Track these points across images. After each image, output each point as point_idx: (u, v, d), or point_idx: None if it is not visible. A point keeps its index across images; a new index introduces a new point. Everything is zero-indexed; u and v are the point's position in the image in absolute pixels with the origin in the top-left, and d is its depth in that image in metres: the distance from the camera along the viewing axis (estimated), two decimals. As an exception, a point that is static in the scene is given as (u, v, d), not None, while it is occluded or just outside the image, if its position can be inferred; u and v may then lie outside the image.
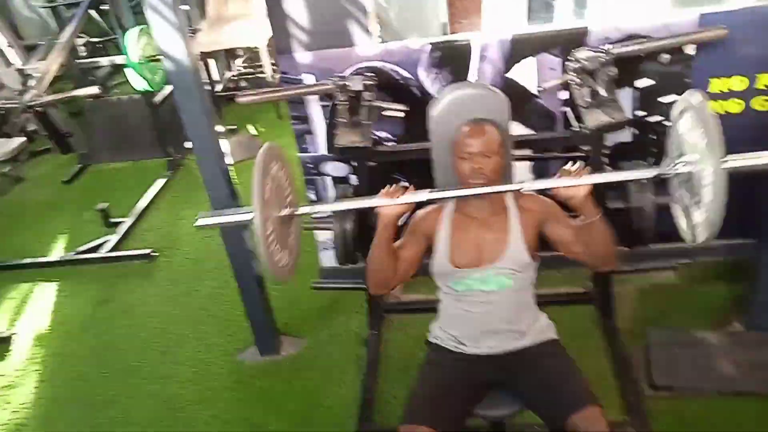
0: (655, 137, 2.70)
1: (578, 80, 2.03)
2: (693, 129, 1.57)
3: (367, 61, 2.56)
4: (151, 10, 2.09)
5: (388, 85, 2.58)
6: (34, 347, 3.11)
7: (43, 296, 3.48)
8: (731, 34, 2.42)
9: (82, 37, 5.97)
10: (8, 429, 2.66)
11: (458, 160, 1.83)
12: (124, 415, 2.63)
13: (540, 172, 2.80)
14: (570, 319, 2.70)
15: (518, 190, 1.82)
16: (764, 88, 2.52)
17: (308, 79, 2.60)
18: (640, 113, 2.64)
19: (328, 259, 3.07)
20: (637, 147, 2.69)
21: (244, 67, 5.53)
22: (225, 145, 4.82)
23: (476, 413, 1.91)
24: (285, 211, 1.75)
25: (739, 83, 2.53)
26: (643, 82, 2.58)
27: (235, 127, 4.93)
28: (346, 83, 2.07)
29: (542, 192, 1.83)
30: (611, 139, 2.69)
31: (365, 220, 2.28)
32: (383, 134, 2.74)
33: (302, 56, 2.58)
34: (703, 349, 2.47)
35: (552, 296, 2.81)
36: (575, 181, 1.65)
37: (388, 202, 1.74)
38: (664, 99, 2.61)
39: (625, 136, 2.69)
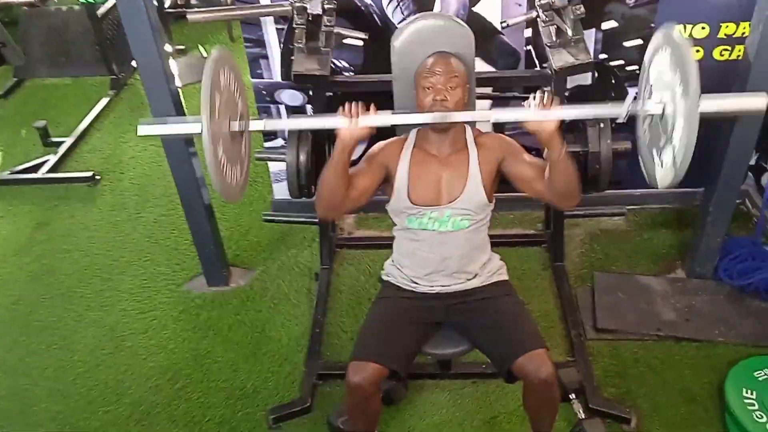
0: (614, 81, 2.69)
1: (545, 17, 1.96)
2: (669, 67, 1.50)
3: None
4: None
5: (348, 11, 2.46)
6: (-34, 270, 2.97)
7: (-23, 217, 3.31)
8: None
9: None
10: (-61, 354, 2.56)
11: (421, 91, 1.77)
12: (64, 341, 2.57)
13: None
14: (521, 260, 2.77)
15: (477, 126, 1.77)
16: (725, 37, 2.51)
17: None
18: (602, 56, 2.61)
19: (280, 190, 3.01)
20: (596, 90, 2.67)
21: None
22: (173, 66, 4.63)
23: (425, 351, 1.93)
24: (235, 125, 1.63)
25: (701, 31, 2.52)
26: (607, 24, 2.54)
27: (183, 47, 4.67)
28: (305, 5, 1.95)
29: (507, 125, 1.78)
30: (572, 82, 2.68)
31: (321, 152, 2.21)
32: (342, 63, 2.64)
33: (260, -25, 2.42)
34: (645, 294, 2.55)
35: (504, 237, 2.86)
36: (543, 115, 1.58)
37: (347, 124, 1.65)
38: (628, 43, 2.58)
39: (585, 78, 2.66)
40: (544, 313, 2.52)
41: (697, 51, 2.55)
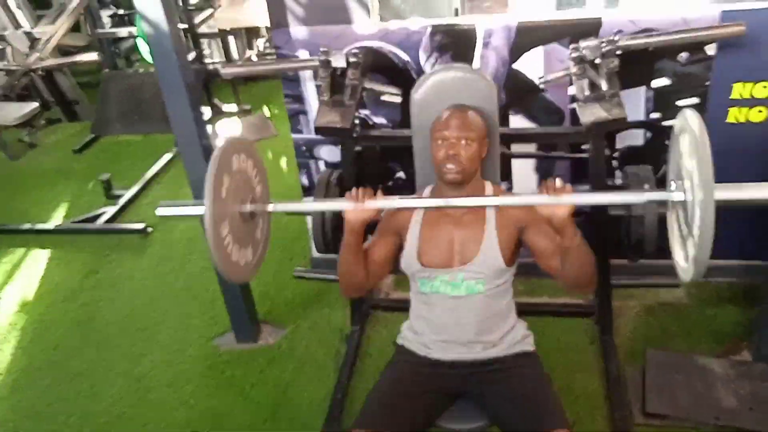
0: (667, 142, 2.50)
1: (576, 70, 1.85)
2: (688, 154, 1.39)
3: (366, 41, 2.42)
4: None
5: (386, 67, 2.44)
6: (18, 313, 3.07)
7: (35, 263, 3.44)
8: (758, 35, 2.22)
9: (109, 8, 6.01)
10: (-23, 394, 2.62)
11: (434, 144, 1.69)
12: (92, 390, 2.57)
13: (545, 172, 2.63)
14: (566, 332, 2.57)
15: (496, 198, 1.67)
16: (792, 96, 2.30)
17: (303, 55, 2.47)
18: (655, 115, 2.45)
19: (318, 247, 2.96)
20: (648, 152, 2.50)
21: (266, 47, 5.42)
22: (237, 125, 4.80)
23: (438, 424, 1.77)
24: (249, 207, 1.64)
25: (763, 90, 2.32)
26: (659, 82, 2.39)
27: (249, 107, 4.85)
28: (329, 59, 1.93)
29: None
30: (621, 141, 2.53)
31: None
32: (381, 120, 2.61)
33: (297, 31, 2.45)
34: (704, 376, 2.27)
35: (549, 306, 2.69)
36: (555, 200, 1.48)
37: (353, 207, 1.60)
38: (682, 102, 2.41)
39: (637, 139, 2.50)
40: (587, 391, 2.30)
41: (760, 111, 2.36)
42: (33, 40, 3.52)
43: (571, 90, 2.43)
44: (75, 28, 5.88)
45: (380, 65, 2.43)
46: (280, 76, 2.50)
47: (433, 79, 1.82)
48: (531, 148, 2.57)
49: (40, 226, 3.71)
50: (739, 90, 2.34)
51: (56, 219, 3.85)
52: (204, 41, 5.36)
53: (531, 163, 2.63)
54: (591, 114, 1.82)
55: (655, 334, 2.52)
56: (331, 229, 2.24)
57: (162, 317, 2.93)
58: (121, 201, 3.81)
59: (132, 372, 2.63)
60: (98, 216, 3.68)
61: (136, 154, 4.52)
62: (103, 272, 3.30)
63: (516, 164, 2.62)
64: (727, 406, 2.15)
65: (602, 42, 1.84)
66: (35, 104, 4.07)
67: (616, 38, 1.86)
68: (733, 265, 2.67)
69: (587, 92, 1.85)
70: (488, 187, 1.77)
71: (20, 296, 3.18)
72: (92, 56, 3.31)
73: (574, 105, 2.45)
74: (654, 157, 2.51)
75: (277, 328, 2.77)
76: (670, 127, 2.43)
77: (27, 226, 3.71)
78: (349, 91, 1.98)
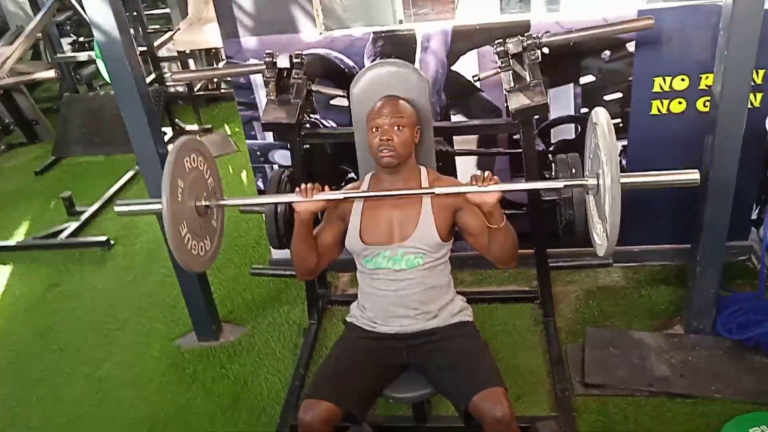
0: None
1: (501, 63, 2.02)
2: (600, 145, 1.59)
3: (313, 48, 2.57)
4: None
5: (334, 73, 2.59)
6: (-22, 326, 3.10)
7: (-4, 277, 3.48)
8: (674, 32, 2.43)
9: (69, 36, 6.09)
10: (-62, 404, 2.64)
11: (370, 133, 1.83)
12: (53, 394, 2.61)
13: (486, 167, 2.78)
14: (513, 316, 2.72)
15: (432, 188, 1.81)
16: (706, 88, 2.50)
17: (254, 63, 2.61)
18: (584, 110, 2.64)
19: (278, 251, 3.07)
20: (579, 144, 2.65)
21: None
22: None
23: (385, 395, 1.88)
24: (204, 202, 1.77)
25: (681, 83, 2.52)
26: (585, 79, 2.58)
27: (210, 126, 4.96)
28: (274, 60, 2.07)
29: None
30: (556, 136, 2.71)
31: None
32: (331, 123, 2.74)
33: (247, 41, 2.59)
34: (639, 349, 2.43)
35: (498, 294, 2.83)
36: (482, 189, 1.66)
37: (302, 200, 1.74)
38: (608, 96, 2.60)
39: (569, 133, 2.69)
40: (531, 368, 2.43)
41: (680, 103, 2.56)
42: (-10, 61, 3.60)
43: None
44: (35, 56, 5.99)
45: (328, 71, 2.58)
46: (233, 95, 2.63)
47: (370, 73, 1.98)
48: (472, 145, 2.74)
49: (1, 243, 3.74)
50: (659, 83, 2.54)
51: (17, 236, 3.88)
52: (165, 64, 5.50)
53: (473, 160, 2.79)
54: (517, 101, 1.99)
55: (595, 314, 2.67)
56: (284, 223, 2.36)
57: (123, 323, 2.99)
58: (83, 216, 3.86)
59: (93, 375, 2.69)
60: (60, 231, 3.72)
61: (98, 174, 4.58)
62: (65, 285, 3.35)
63: (459, 161, 2.78)
64: (660, 375, 2.30)
65: (524, 37, 2.02)
66: (-7, 129, 4.14)
67: (536, 34, 2.04)
68: (665, 249, 2.86)
69: (512, 83, 2.02)
70: (423, 171, 1.91)
71: (-20, 310, 3.21)
72: (49, 73, 3.40)
73: (510, 103, 2.65)
74: (584, 148, 2.71)
75: (238, 326, 2.85)
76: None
77: (-12, 243, 3.74)
78: (294, 89, 2.11)
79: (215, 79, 5.41)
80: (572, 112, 2.65)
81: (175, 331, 2.88)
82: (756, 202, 2.77)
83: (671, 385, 2.26)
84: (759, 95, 2.48)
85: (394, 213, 1.85)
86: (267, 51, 2.14)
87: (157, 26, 6.12)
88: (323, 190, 1.77)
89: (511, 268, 1.86)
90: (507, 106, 2.60)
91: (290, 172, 2.38)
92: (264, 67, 2.15)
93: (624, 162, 2.72)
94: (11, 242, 3.75)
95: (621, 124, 2.64)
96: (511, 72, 2.01)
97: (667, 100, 2.57)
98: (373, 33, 2.54)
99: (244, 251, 3.36)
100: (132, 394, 2.55)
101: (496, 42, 2.03)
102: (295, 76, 2.09)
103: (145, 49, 4.78)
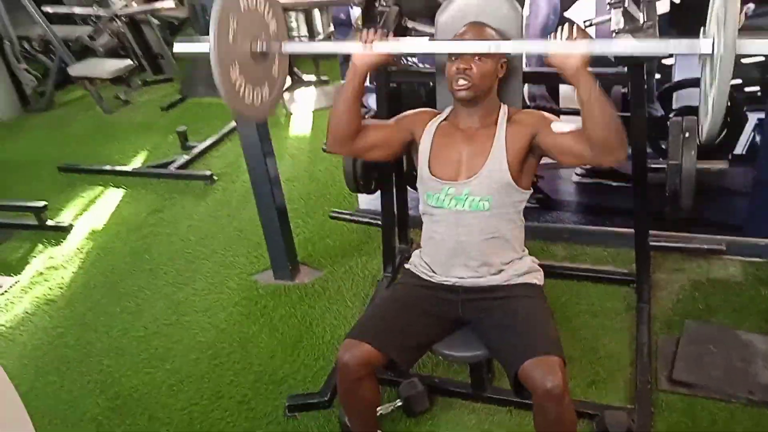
0: (729, 103, 2.33)
1: (613, 1, 1.77)
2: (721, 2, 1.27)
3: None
4: None
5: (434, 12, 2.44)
6: (85, 240, 3.31)
7: (109, 199, 3.70)
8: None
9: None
10: (39, 301, 2.85)
11: (449, 62, 1.67)
12: (136, 308, 2.73)
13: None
14: (604, 298, 2.49)
15: (506, 42, 1.61)
16: None
17: None
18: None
19: (365, 200, 3.01)
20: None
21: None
22: (313, 92, 4.94)
23: (435, 350, 1.76)
24: (260, 47, 1.62)
25: None
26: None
27: (327, 79, 4.97)
28: (363, -11, 1.97)
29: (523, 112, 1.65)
30: (678, 101, 2.39)
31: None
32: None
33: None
34: (744, 351, 2.11)
35: (591, 272, 2.59)
36: (568, 46, 1.43)
37: (360, 49, 1.61)
38: (746, 59, 2.24)
39: (695, 98, 2.34)
40: (613, 355, 2.19)
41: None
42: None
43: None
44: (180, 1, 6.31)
45: (429, 8, 2.42)
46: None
47: (457, 1, 1.81)
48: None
49: (118, 167, 3.98)
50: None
51: (134, 164, 4.12)
52: (291, 14, 5.58)
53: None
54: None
55: (699, 308, 2.35)
56: (361, 166, 2.27)
57: (210, 254, 3.06)
58: (194, 151, 4.01)
59: (174, 296, 2.77)
60: (171, 162, 3.89)
61: (216, 115, 4.73)
62: (166, 212, 3.50)
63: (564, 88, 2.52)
64: (763, 381, 1.98)
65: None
66: (129, 62, 4.37)
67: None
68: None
69: (622, 24, 1.77)
70: (503, 108, 1.73)
71: (90, 226, 3.43)
72: (170, 3, 3.52)
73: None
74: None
75: (315, 270, 2.83)
76: (733, 87, 2.31)
77: (107, 167, 3.99)
78: (381, 19, 1.99)
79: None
80: (699, 74, 2.31)
81: (256, 267, 2.91)
82: None
83: (777, 395, 1.95)
84: None
85: (465, 147, 1.70)
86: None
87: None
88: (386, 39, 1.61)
89: (621, 160, 1.54)
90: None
91: (373, 114, 2.27)
92: (355, -3, 2.05)
93: (759, 138, 2.35)
94: (127, 168, 3.98)
95: (760, 93, 2.28)
96: (621, 10, 1.76)
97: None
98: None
99: (335, 199, 3.33)
100: (203, 320, 2.61)
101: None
102: (383, 4, 1.97)
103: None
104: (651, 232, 2.29)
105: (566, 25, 1.45)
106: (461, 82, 1.64)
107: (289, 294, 2.69)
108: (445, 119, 1.77)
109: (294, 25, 5.67)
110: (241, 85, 1.57)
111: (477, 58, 1.63)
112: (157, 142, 4.43)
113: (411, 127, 1.77)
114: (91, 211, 3.59)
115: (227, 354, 2.41)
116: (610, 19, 2.00)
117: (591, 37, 1.42)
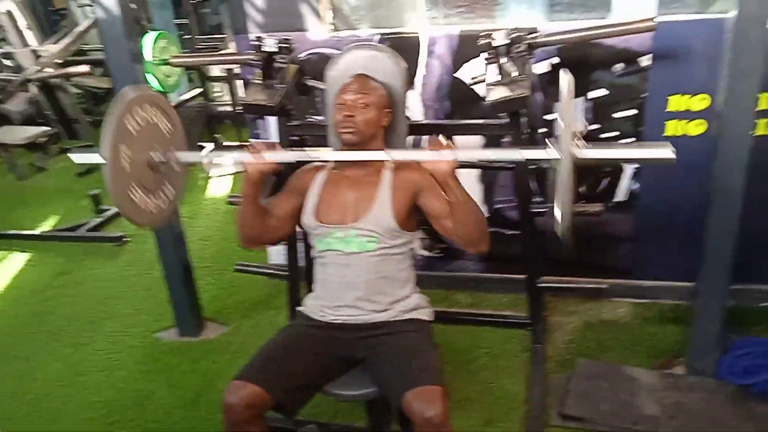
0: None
1: (486, 56, 1.92)
2: (559, 113, 1.47)
3: (319, 48, 2.57)
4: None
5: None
6: (-18, 304, 3.18)
7: (13, 263, 3.57)
8: (693, 48, 2.27)
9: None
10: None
11: (335, 109, 1.77)
12: (29, 371, 2.61)
13: (489, 181, 2.68)
14: (503, 341, 2.55)
15: (385, 152, 1.72)
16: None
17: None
18: (594, 126, 2.49)
19: (276, 255, 3.03)
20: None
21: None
22: (231, 156, 5.00)
23: (327, 390, 1.76)
24: (156, 157, 1.72)
25: (700, 103, 2.35)
26: (596, 93, 2.44)
27: (248, 144, 5.04)
28: (261, 44, 2.06)
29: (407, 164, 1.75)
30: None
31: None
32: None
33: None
34: (630, 386, 2.20)
35: (491, 316, 2.66)
36: (437, 155, 1.55)
37: (253, 159, 1.68)
38: (619, 114, 2.45)
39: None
40: (509, 394, 2.24)
41: (699, 125, 2.38)
42: (37, 57, 3.80)
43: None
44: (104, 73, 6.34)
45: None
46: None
47: (346, 56, 1.93)
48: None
49: (25, 232, 3.87)
50: (676, 102, 2.38)
51: (44, 228, 4.01)
52: (216, 85, 5.71)
53: (476, 176, 2.68)
54: (496, 93, 1.88)
55: (591, 347, 2.45)
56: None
57: (114, 313, 2.99)
58: (107, 214, 3.95)
59: (72, 357, 2.68)
60: (81, 225, 3.82)
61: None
62: (73, 274, 3.41)
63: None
64: (649, 414, 2.07)
65: (512, 30, 1.93)
66: (44, 128, 4.34)
67: (527, 30, 1.95)
68: (680, 286, 2.61)
69: (497, 77, 1.92)
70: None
71: (-11, 289, 3.30)
72: (84, 68, 3.55)
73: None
74: (593, 168, 2.56)
75: (221, 325, 2.80)
76: (609, 138, 2.50)
77: (13, 231, 3.87)
78: (279, 74, 2.09)
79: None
80: (580, 128, 2.50)
81: (160, 325, 2.84)
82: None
83: (659, 425, 2.02)
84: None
85: (352, 193, 1.77)
86: (256, 35, 2.13)
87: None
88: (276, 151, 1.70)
89: (482, 252, 1.67)
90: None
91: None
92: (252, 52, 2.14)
93: (637, 186, 2.54)
94: (34, 232, 3.88)
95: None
96: (496, 65, 1.91)
97: (685, 121, 2.39)
98: (379, 35, 2.50)
99: (247, 257, 3.30)
100: (101, 379, 2.52)
101: (482, 34, 1.94)
102: (280, 60, 2.06)
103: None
104: (544, 277, 2.40)
105: (437, 137, 1.59)
106: (346, 128, 1.73)
107: (193, 350, 2.64)
108: (333, 167, 1.85)
109: (219, 93, 5.83)
110: (137, 194, 1.62)
111: (362, 105, 1.73)
112: (69, 207, 4.34)
113: (299, 188, 1.83)
114: (-8, 275, 3.47)
115: (122, 412, 2.32)
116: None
117: (456, 148, 1.55)
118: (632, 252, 2.65)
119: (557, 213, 1.49)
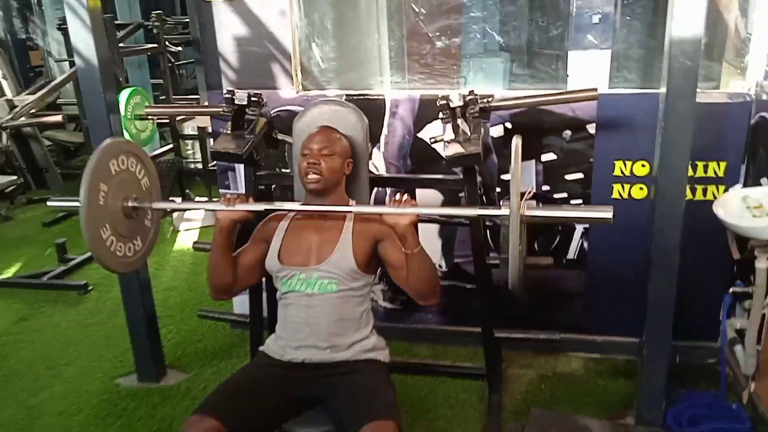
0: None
1: (443, 115, 2.09)
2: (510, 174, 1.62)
3: (289, 105, 2.72)
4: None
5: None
6: (-63, 348, 3.13)
7: (-28, 309, 3.54)
8: (635, 118, 2.48)
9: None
10: None
11: (301, 158, 1.89)
12: (-18, 415, 2.58)
13: (447, 236, 2.81)
14: (462, 391, 2.63)
15: (351, 206, 1.86)
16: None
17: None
18: (545, 187, 2.66)
19: (239, 305, 3.07)
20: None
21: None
22: (201, 212, 5.07)
23: (284, 429, 1.80)
24: (131, 204, 1.81)
25: (642, 168, 2.54)
26: (547, 157, 2.62)
27: (217, 200, 5.11)
28: (233, 97, 2.19)
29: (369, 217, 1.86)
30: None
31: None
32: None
33: (229, 92, 2.76)
34: (580, 434, 2.28)
35: (449, 367, 2.73)
36: (397, 210, 1.68)
37: (224, 208, 1.79)
38: (569, 176, 2.63)
39: (531, 209, 2.69)
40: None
41: (641, 189, 2.56)
42: (12, 107, 3.90)
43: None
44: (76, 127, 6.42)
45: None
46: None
47: (312, 110, 2.07)
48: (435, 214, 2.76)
49: (-14, 278, 3.85)
50: (620, 167, 2.56)
51: (5, 275, 3.98)
52: (189, 142, 5.83)
53: (435, 230, 2.81)
54: (451, 150, 2.03)
55: (545, 398, 2.54)
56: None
57: (74, 359, 2.98)
58: (71, 263, 3.96)
59: (27, 402, 2.65)
60: (45, 273, 3.81)
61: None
62: (32, 320, 3.39)
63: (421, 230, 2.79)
64: (597, 461, 2.14)
65: (467, 93, 2.10)
66: (12, 178, 4.37)
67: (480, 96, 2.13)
68: (631, 342, 2.72)
69: (452, 135, 2.08)
70: (352, 203, 1.94)
71: (-54, 335, 3.25)
72: (56, 118, 3.64)
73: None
74: (546, 226, 2.70)
75: (182, 372, 2.81)
76: (560, 199, 2.66)
77: (-27, 278, 3.85)
78: (248, 125, 2.21)
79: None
80: (534, 189, 2.67)
81: (120, 371, 2.85)
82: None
83: (607, 473, 2.10)
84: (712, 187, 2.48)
85: (315, 237, 1.87)
86: (228, 89, 2.27)
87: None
88: (247, 201, 1.82)
89: (432, 305, 1.80)
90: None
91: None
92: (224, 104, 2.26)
93: (585, 244, 2.69)
94: (-3, 278, 3.86)
95: (581, 204, 2.65)
96: (451, 124, 2.07)
97: (629, 185, 2.57)
98: (346, 95, 2.66)
99: (212, 307, 3.35)
100: (57, 423, 2.50)
101: (440, 96, 2.11)
102: (250, 113, 2.20)
103: (167, 121, 5.09)
104: (501, 329, 2.50)
105: (398, 194, 1.74)
106: (311, 176, 1.85)
107: (152, 396, 2.64)
108: (297, 215, 1.95)
109: (190, 151, 5.93)
110: (112, 241, 1.71)
111: (326, 154, 1.86)
112: (33, 255, 4.33)
113: (264, 237, 1.93)
114: (-50, 321, 3.42)
115: (76, 457, 2.31)
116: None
117: (416, 205, 1.70)
118: (583, 308, 2.78)
119: (509, 265, 1.61)
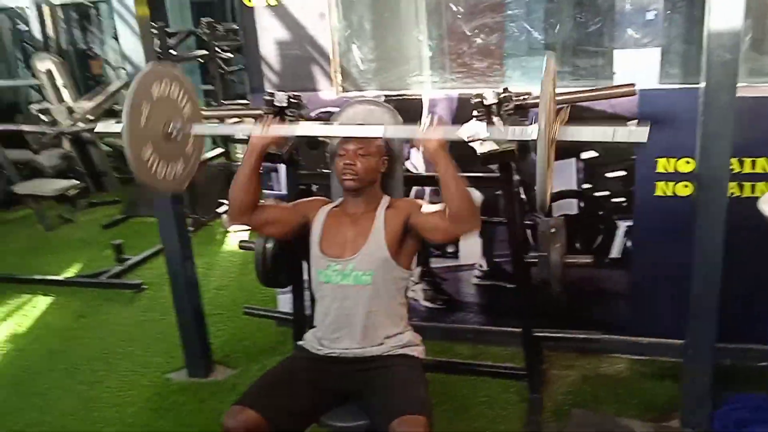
0: (601, 213, 2.65)
1: (477, 113, 2.10)
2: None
3: (329, 107, 2.77)
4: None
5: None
6: (5, 342, 3.31)
7: (35, 306, 3.74)
8: (679, 114, 2.42)
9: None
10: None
11: (337, 159, 1.94)
12: (44, 405, 2.73)
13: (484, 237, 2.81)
14: (500, 391, 2.62)
15: (381, 127, 1.85)
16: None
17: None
18: (586, 185, 2.63)
19: (283, 303, 3.15)
20: (584, 220, 2.65)
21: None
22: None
23: (322, 422, 1.85)
24: (172, 128, 1.81)
25: (686, 165, 2.48)
26: (587, 154, 2.59)
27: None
28: (273, 98, 2.26)
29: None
30: (557, 210, 2.68)
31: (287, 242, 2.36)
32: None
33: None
34: (623, 435, 2.25)
35: (491, 367, 2.73)
36: (429, 132, 1.73)
37: (259, 131, 1.84)
38: (610, 174, 2.59)
39: (571, 207, 2.67)
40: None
41: (686, 186, 2.50)
42: (71, 112, 4.09)
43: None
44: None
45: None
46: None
47: (348, 110, 2.12)
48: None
49: (48, 277, 4.05)
50: (663, 164, 2.52)
51: (67, 274, 4.19)
52: (238, 146, 5.98)
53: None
54: (485, 147, 2.05)
55: (587, 399, 2.51)
56: (271, 258, 2.45)
57: (127, 354, 3.12)
58: (128, 263, 4.13)
59: (85, 394, 2.79)
60: (103, 273, 3.99)
61: (155, 233, 4.86)
62: (90, 317, 3.56)
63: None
64: (638, 463, 2.11)
65: (501, 91, 2.11)
66: (74, 182, 4.58)
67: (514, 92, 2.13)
68: (679, 344, 2.66)
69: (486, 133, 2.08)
70: (385, 198, 1.98)
71: (10, 330, 3.45)
72: (117, 127, 3.78)
73: (511, 171, 2.68)
74: (588, 225, 2.68)
75: (230, 368, 2.91)
76: (602, 197, 2.63)
77: (38, 276, 4.06)
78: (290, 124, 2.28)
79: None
80: (574, 187, 2.65)
81: (171, 366, 2.96)
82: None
83: (649, 474, 2.07)
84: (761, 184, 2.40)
85: (350, 229, 1.92)
86: (268, 90, 2.34)
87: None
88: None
89: (474, 231, 1.90)
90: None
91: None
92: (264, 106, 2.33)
93: (629, 243, 2.64)
94: (58, 277, 4.06)
95: (625, 203, 2.61)
96: (486, 122, 2.08)
97: (673, 182, 2.52)
98: (384, 96, 2.70)
99: (260, 305, 3.45)
100: (112, 415, 2.63)
101: (475, 94, 2.12)
102: (290, 115, 2.26)
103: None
104: (542, 329, 2.49)
105: (429, 117, 1.76)
106: (347, 175, 1.90)
107: (201, 390, 2.74)
108: (336, 206, 2.01)
109: (240, 155, 6.07)
110: (154, 162, 1.77)
111: (361, 154, 1.90)
112: (92, 256, 4.53)
113: (306, 211, 1.99)
114: (15, 317, 3.62)
115: (128, 447, 2.42)
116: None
117: (446, 127, 1.73)
118: (628, 308, 2.73)
119: (536, 192, 1.58)
